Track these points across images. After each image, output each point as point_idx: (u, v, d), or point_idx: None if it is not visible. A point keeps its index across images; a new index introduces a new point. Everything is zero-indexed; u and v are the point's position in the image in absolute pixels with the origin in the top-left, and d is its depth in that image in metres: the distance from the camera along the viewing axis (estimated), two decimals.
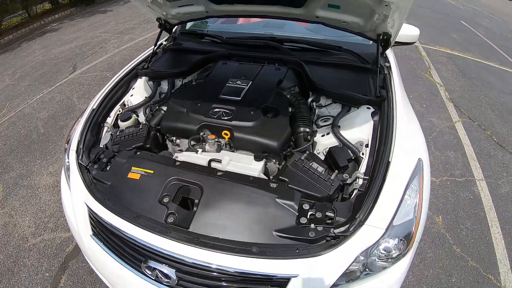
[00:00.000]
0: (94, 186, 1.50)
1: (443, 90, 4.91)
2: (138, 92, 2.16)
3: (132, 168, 1.49)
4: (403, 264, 1.30)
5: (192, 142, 1.70)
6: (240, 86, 1.92)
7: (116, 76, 2.20)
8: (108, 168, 1.58)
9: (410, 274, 2.22)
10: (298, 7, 1.85)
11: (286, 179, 1.41)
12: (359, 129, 1.70)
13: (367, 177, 1.41)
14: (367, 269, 1.26)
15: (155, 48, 2.41)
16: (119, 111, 2.04)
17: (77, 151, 1.68)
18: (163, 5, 2.17)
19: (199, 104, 1.81)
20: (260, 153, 1.63)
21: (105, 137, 1.84)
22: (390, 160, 1.40)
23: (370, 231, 1.22)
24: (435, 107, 4.40)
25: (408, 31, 2.53)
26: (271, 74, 2.06)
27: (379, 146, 1.51)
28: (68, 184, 1.67)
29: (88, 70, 5.51)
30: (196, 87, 2.10)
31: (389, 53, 2.26)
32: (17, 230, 2.58)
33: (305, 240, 1.21)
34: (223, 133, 1.69)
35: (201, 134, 1.72)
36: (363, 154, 1.59)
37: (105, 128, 1.90)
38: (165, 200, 1.36)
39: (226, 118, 1.70)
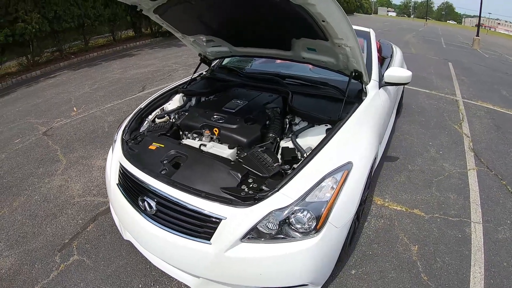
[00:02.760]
0: (127, 152, 2.23)
1: (468, 141, 4.83)
2: (174, 103, 3.04)
3: (153, 143, 2.24)
4: (314, 240, 1.64)
5: (194, 134, 2.45)
6: (238, 104, 2.68)
7: (163, 89, 3.18)
8: (139, 144, 2.34)
9: (364, 285, 2.31)
10: (287, 50, 2.53)
11: (241, 160, 2.07)
12: (311, 139, 2.25)
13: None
14: (282, 233, 1.66)
15: (193, 75, 3.36)
16: (158, 112, 2.91)
17: (123, 130, 2.50)
18: (201, 45, 3.11)
19: (207, 112, 2.58)
20: (234, 145, 2.26)
21: (144, 127, 2.70)
22: (315, 155, 1.91)
23: (283, 198, 1.67)
24: (452, 154, 4.36)
25: (400, 73, 2.97)
26: (263, 98, 2.83)
27: (315, 147, 2.02)
28: (112, 151, 2.45)
29: (154, 91, 6.57)
30: (211, 102, 2.97)
31: (373, 90, 2.76)
32: (68, 191, 3.40)
33: (237, 197, 1.72)
34: (214, 130, 2.38)
35: (202, 130, 2.43)
36: (306, 155, 2.10)
37: (146, 121, 2.75)
38: (164, 161, 2.07)
39: (220, 121, 2.42)
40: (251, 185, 1.83)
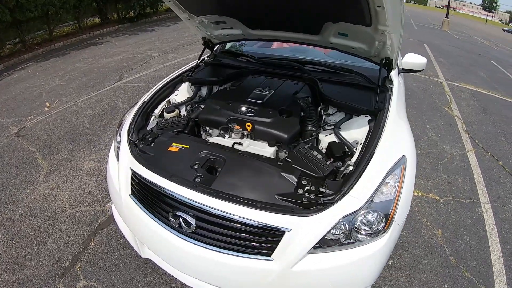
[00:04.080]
0: (139, 156, 1.88)
1: (460, 123, 5.05)
2: (182, 93, 2.69)
3: (173, 143, 1.91)
4: (383, 241, 1.52)
5: (222, 131, 2.16)
6: (264, 94, 2.38)
7: (165, 79, 2.76)
8: (152, 145, 1.99)
9: (403, 275, 2.37)
10: (315, 34, 2.29)
11: (291, 160, 1.78)
12: (355, 131, 2.07)
13: (355, 165, 1.73)
14: (351, 238, 1.50)
15: (198, 61, 2.97)
16: (165, 105, 2.53)
17: (128, 130, 2.11)
18: (208, 27, 2.71)
19: (230, 104, 2.26)
20: (273, 142, 2.04)
21: (152, 123, 2.31)
22: (374, 151, 1.72)
23: (352, 201, 1.49)
24: (450, 137, 4.57)
25: (416, 60, 2.89)
26: (290, 87, 2.54)
27: (368, 142, 1.84)
28: (117, 157, 2.06)
29: (133, 81, 6.16)
30: (229, 92, 2.64)
31: (395, 77, 2.62)
32: (56, 201, 2.97)
33: (299, 204, 1.51)
34: (246, 125, 2.10)
35: (229, 125, 2.15)
36: (356, 149, 1.94)
37: (153, 117, 2.37)
38: (196, 166, 1.74)
39: (250, 115, 2.14)
40: (308, 188, 1.61)
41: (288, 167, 1.72)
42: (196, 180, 1.65)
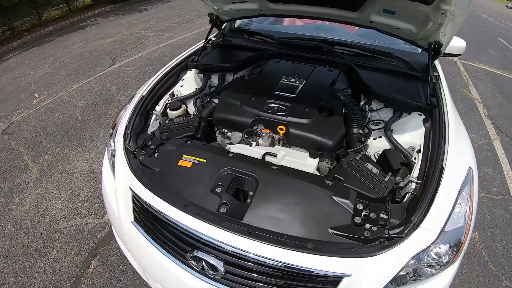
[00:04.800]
0: (140, 171, 1.50)
1: (481, 107, 4.80)
2: (188, 83, 2.21)
3: (183, 156, 1.50)
4: (451, 272, 1.29)
5: (246, 135, 1.73)
6: (295, 84, 1.95)
7: (165, 67, 2.26)
8: (156, 155, 1.59)
9: None
10: (354, 10, 1.85)
11: (342, 178, 1.41)
12: (410, 134, 1.69)
13: (420, 182, 1.40)
14: (416, 274, 1.24)
15: (206, 42, 2.46)
16: (168, 100, 2.08)
17: (124, 136, 1.69)
18: (218, 0, 2.20)
19: (253, 98, 1.83)
20: (314, 150, 1.65)
21: (153, 125, 1.86)
22: (444, 166, 1.39)
23: (424, 234, 1.20)
24: (473, 123, 4.33)
25: (455, 43, 2.46)
26: (324, 75, 2.09)
27: (432, 151, 1.50)
28: (112, 169, 1.68)
29: (127, 64, 5.69)
30: (249, 82, 2.14)
31: (437, 63, 2.24)
32: (48, 212, 2.64)
33: (360, 240, 1.20)
34: (278, 128, 1.70)
35: (255, 127, 1.74)
36: (415, 158, 1.58)
37: (154, 116, 1.93)
38: (218, 189, 1.35)
39: (281, 113, 1.72)
40: (367, 215, 1.29)
41: (340, 187, 1.36)
42: (222, 211, 1.28)
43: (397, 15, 1.76)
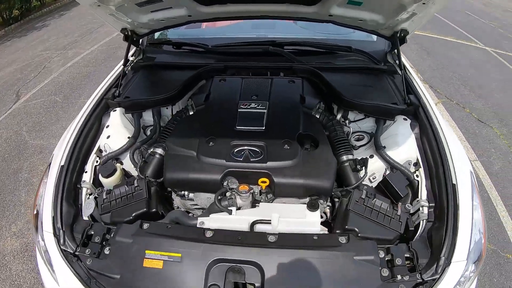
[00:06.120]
0: (96, 283, 1.11)
1: (414, 72, 4.89)
2: (116, 130, 1.70)
3: (147, 252, 1.11)
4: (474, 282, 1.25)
5: (220, 203, 1.32)
6: (257, 111, 1.58)
7: (81, 111, 1.72)
8: (107, 251, 1.18)
9: None
10: (311, 5, 1.57)
11: (355, 228, 1.20)
12: (403, 147, 1.50)
13: (433, 205, 1.29)
14: None
15: (125, 67, 1.94)
16: (97, 161, 1.58)
17: (55, 234, 1.25)
18: (131, 11, 1.72)
19: (212, 143, 1.44)
20: (308, 197, 1.36)
21: (88, 204, 1.40)
22: (455, 183, 1.26)
23: (455, 266, 1.12)
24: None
25: None
26: (288, 89, 1.75)
27: (435, 165, 1.36)
28: (51, 271, 1.24)
29: (34, 96, 4.83)
30: (197, 118, 1.68)
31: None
32: None
33: None
34: (259, 181, 1.33)
35: (228, 187, 1.35)
36: (417, 176, 1.41)
37: (84, 190, 1.46)
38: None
39: (256, 159, 1.36)
40: (390, 261, 1.14)
41: (358, 243, 1.14)
42: None
43: (364, 6, 1.54)
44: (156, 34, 2.31)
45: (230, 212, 1.27)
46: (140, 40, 2.12)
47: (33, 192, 2.92)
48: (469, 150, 3.33)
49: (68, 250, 1.21)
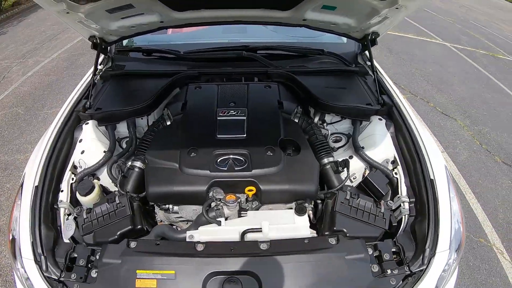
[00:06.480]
0: None
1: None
2: (90, 145, 1.61)
3: (138, 272, 1.08)
4: (455, 275, 1.34)
5: (207, 214, 1.29)
6: (237, 118, 1.57)
7: (51, 127, 1.62)
8: (94, 275, 1.13)
9: None
10: (285, 10, 1.60)
11: (344, 229, 1.25)
12: (381, 147, 1.56)
13: (413, 200, 1.37)
14: None
15: (95, 77, 1.88)
16: (72, 179, 1.49)
17: (36, 260, 1.17)
18: (100, 19, 1.66)
19: (194, 154, 1.41)
20: (294, 202, 1.38)
21: (68, 226, 1.32)
22: (432, 178, 1.35)
23: (439, 255, 1.20)
24: None
25: None
26: (264, 95, 1.77)
27: (412, 162, 1.45)
28: None
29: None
30: (176, 128, 1.62)
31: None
32: None
33: None
34: (246, 190, 1.34)
35: (210, 194, 1.33)
36: (396, 173, 1.48)
37: (62, 211, 1.37)
38: None
39: (241, 167, 1.36)
40: (378, 257, 1.21)
41: (348, 243, 1.19)
42: None
43: (338, 11, 1.60)
44: (124, 41, 2.23)
45: (219, 223, 1.26)
46: (109, 47, 2.05)
47: (0, 212, 2.75)
48: (436, 142, 3.48)
49: (52, 276, 1.14)
